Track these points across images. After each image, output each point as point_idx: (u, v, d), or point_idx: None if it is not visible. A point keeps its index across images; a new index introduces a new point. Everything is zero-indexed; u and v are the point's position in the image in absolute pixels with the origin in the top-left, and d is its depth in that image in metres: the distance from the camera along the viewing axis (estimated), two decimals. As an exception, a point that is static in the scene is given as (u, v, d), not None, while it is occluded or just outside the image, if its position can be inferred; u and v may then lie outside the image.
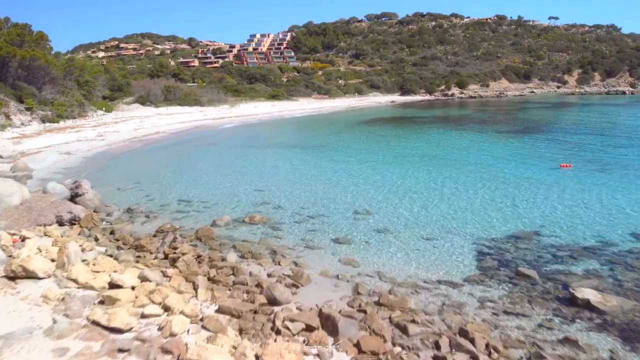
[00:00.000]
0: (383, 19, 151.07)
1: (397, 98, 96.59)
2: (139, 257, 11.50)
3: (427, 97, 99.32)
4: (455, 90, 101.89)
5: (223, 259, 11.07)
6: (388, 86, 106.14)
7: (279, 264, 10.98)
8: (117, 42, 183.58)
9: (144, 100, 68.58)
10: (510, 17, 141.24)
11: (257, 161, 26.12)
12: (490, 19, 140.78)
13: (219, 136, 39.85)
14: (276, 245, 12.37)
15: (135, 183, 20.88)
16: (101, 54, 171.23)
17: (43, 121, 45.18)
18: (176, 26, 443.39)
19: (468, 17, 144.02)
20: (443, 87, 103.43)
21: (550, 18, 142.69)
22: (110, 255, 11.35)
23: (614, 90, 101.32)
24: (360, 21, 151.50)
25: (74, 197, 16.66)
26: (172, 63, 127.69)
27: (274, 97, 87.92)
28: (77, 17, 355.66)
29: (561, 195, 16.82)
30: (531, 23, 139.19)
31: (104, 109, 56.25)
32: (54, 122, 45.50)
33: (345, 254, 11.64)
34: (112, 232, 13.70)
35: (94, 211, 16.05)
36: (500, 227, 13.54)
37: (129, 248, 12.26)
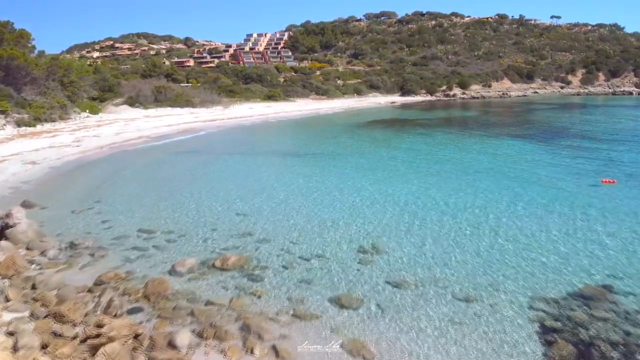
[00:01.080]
0: (382, 18, 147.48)
1: (398, 99, 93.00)
2: (54, 334, 7.89)
3: (428, 97, 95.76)
4: (457, 91, 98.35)
5: (170, 343, 7.45)
6: (388, 86, 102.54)
7: (252, 352, 7.35)
8: (112, 42, 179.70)
9: (133, 102, 64.89)
10: (512, 16, 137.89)
11: (244, 173, 22.47)
12: (491, 18, 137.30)
13: (206, 141, 36.20)
14: (252, 311, 8.74)
15: (96, 202, 17.27)
16: (96, 54, 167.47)
17: (19, 125, 41.48)
18: (173, 26, 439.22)
19: (468, 16, 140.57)
20: (444, 87, 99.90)
21: (552, 17, 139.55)
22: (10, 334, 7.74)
23: (620, 91, 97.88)
24: (359, 20, 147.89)
25: (3, 230, 13.03)
26: (167, 63, 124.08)
27: (270, 97, 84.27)
28: (74, 16, 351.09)
29: (620, 224, 13.22)
30: (533, 22, 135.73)
31: (87, 110, 52.50)
32: (30, 126, 41.77)
33: (350, 331, 8.02)
34: (33, 286, 10.06)
35: (27, 248, 12.46)
36: (555, 279, 9.93)
37: (47, 316, 8.64)
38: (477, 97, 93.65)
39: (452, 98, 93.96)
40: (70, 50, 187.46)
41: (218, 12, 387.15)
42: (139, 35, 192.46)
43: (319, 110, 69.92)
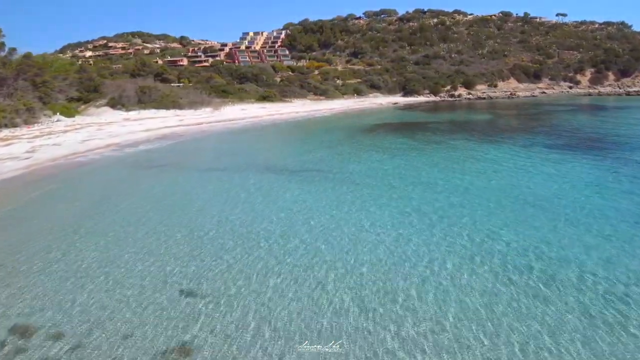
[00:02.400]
0: (382, 16, 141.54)
1: (400, 99, 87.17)
2: None
3: (432, 98, 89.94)
4: (462, 91, 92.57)
5: None
6: (389, 86, 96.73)
7: None
8: (105, 41, 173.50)
9: (115, 103, 58.98)
10: (516, 14, 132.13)
11: (214, 203, 16.43)
12: (494, 15, 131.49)
13: (183, 150, 30.29)
14: None
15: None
16: (89, 53, 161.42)
17: (-29, 131, 35.66)
18: (169, 25, 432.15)
19: (471, 14, 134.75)
20: (449, 87, 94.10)
21: (557, 15, 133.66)
22: None
23: (634, 91, 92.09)
24: (359, 18, 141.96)
25: None
26: (160, 62, 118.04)
27: (265, 98, 78.37)
28: (70, 15, 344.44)
29: None
30: (538, 20, 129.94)
31: (58, 113, 46.52)
32: (-16, 132, 36.01)
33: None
34: None
35: None
36: None
37: None
38: (484, 98, 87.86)
39: (457, 99, 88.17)
40: (63, 50, 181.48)
41: (215, 10, 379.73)
42: (133, 34, 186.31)
43: (316, 112, 64.07)
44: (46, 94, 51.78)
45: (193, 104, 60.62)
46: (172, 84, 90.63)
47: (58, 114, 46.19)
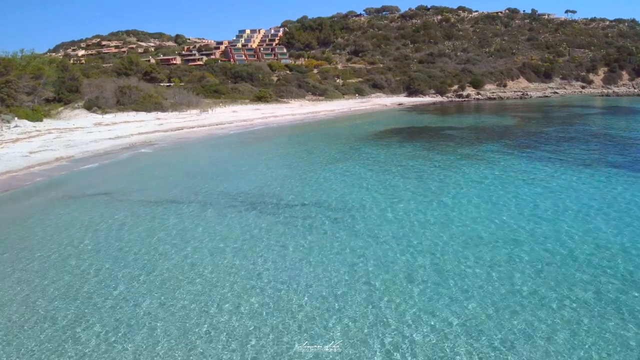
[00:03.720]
0: (383, 13, 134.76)
1: (404, 99, 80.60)
2: None
3: (439, 98, 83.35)
4: (470, 91, 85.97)
5: None
6: (392, 86, 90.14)
7: None
8: (99, 40, 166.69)
9: (91, 105, 52.46)
10: (524, 11, 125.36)
11: (157, 266, 10.08)
12: (501, 12, 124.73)
13: (140, 169, 23.64)
14: None
15: None
16: (81, 52, 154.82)
17: None
18: (167, 24, 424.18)
19: (476, 11, 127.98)
20: (456, 87, 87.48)
21: (567, 12, 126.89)
22: None
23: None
24: (359, 15, 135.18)
25: None
26: (152, 60, 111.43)
27: (259, 99, 71.82)
28: (66, 14, 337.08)
29: None
30: (546, 17, 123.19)
31: (16, 118, 39.95)
32: None
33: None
34: None
35: None
36: None
37: None
38: (494, 98, 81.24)
39: (466, 99, 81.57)
40: (56, 49, 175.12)
41: (212, 8, 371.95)
42: (128, 32, 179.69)
43: (315, 114, 57.51)
44: (9, 95, 45.33)
45: (178, 106, 54.06)
46: (162, 84, 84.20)
47: (16, 118, 39.59)
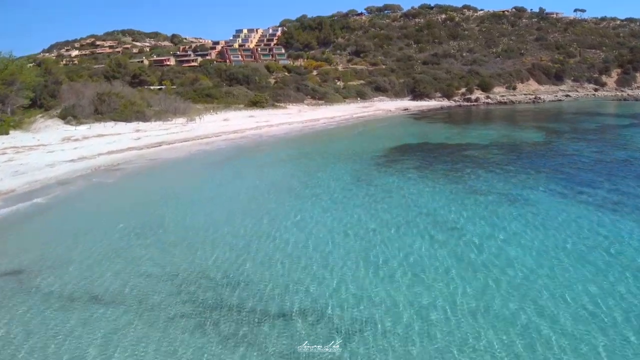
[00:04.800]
0: (385, 11, 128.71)
1: (410, 104, 74.82)
2: None
3: (446, 102, 77.55)
4: (479, 94, 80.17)
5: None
6: (396, 89, 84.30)
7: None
8: (93, 40, 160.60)
9: (67, 114, 46.80)
10: (531, 10, 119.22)
11: None
12: (507, 11, 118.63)
13: (87, 215, 17.92)
14: None
15: None
16: (75, 53, 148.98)
17: None
18: (164, 23, 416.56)
19: (481, 10, 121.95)
20: (463, 89, 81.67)
21: (576, 10, 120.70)
22: None
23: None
24: (360, 14, 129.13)
25: None
26: (145, 62, 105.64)
27: (255, 104, 66.01)
28: (63, 13, 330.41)
29: None
30: (555, 16, 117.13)
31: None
32: None
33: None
34: None
35: None
36: None
37: None
38: (505, 102, 75.41)
39: (475, 103, 75.74)
40: (50, 49, 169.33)
41: (210, 7, 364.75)
42: (123, 32, 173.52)
43: (314, 123, 51.73)
44: (-33, 103, 39.81)
45: (162, 114, 48.33)
46: (152, 87, 78.49)
47: (-33, 133, 33.99)
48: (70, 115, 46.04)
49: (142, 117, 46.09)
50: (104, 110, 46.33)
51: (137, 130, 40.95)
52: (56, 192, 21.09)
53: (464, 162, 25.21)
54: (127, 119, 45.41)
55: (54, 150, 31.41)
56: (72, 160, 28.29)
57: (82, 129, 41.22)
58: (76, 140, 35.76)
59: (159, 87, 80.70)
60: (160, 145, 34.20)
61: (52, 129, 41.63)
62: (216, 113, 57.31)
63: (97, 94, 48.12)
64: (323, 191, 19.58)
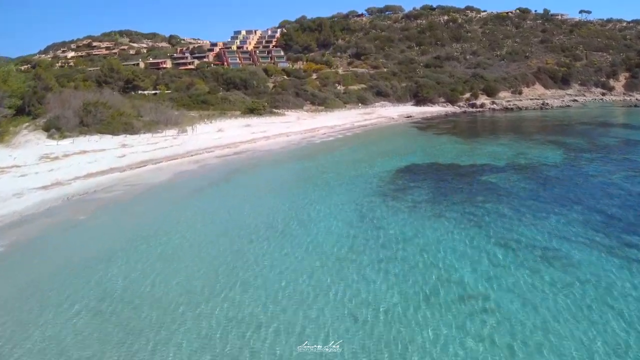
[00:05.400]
0: (386, 13, 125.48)
1: (413, 110, 71.77)
2: None
3: (450, 107, 74.50)
4: (484, 99, 77.06)
5: None
6: (398, 93, 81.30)
7: None
8: (90, 41, 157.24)
9: (50, 126, 43.75)
10: (535, 11, 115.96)
11: None
12: (511, 12, 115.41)
13: (34, 283, 14.87)
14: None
15: None
16: (71, 54, 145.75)
17: None
18: (161, 23, 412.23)
19: (484, 11, 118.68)
20: (468, 94, 78.58)
21: (581, 12, 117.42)
22: None
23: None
24: (361, 15, 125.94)
25: None
26: (142, 64, 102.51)
27: (252, 111, 62.94)
28: (62, 13, 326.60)
29: None
30: (560, 17, 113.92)
31: None
32: None
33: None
34: None
35: None
36: None
37: None
38: (512, 109, 72.26)
39: (480, 109, 72.64)
40: (47, 50, 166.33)
41: (208, 7, 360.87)
42: (121, 33, 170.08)
43: (314, 134, 48.67)
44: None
45: (153, 125, 45.22)
46: (146, 92, 75.47)
47: None
48: (54, 128, 42.98)
49: (130, 129, 43.03)
50: (89, 122, 43.25)
51: (123, 145, 37.90)
52: (14, 237, 18.05)
53: (482, 193, 22.12)
54: (114, 131, 42.34)
55: (28, 173, 28.36)
56: (44, 187, 25.26)
57: (65, 144, 38.17)
58: (55, 158, 32.70)
59: (153, 92, 77.68)
60: (145, 165, 31.13)
61: (33, 144, 38.56)
62: (210, 122, 54.23)
63: (83, 104, 44.98)
64: (323, 239, 16.53)
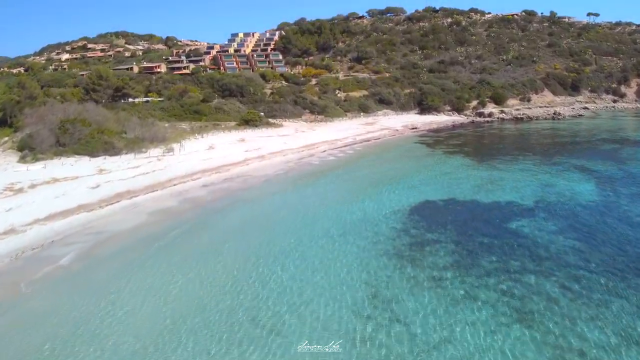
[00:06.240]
0: (388, 14, 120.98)
1: (417, 120, 67.47)
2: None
3: (456, 117, 70.24)
4: (492, 108, 72.77)
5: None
6: (401, 101, 76.98)
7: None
8: (85, 42, 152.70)
9: (24, 145, 39.53)
10: (541, 13, 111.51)
11: None
12: (517, 14, 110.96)
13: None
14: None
15: None
16: (65, 56, 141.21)
17: None
18: (160, 24, 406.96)
19: (489, 13, 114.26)
20: (475, 102, 74.30)
21: (589, 14, 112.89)
22: None
23: None
24: (362, 17, 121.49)
25: None
26: (135, 69, 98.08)
27: (247, 122, 58.64)
28: (61, 14, 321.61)
29: None
30: (567, 20, 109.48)
31: None
32: None
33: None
34: None
35: None
36: None
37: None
38: (522, 118, 67.96)
39: (488, 118, 68.36)
40: (42, 52, 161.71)
41: (206, 8, 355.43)
42: (117, 34, 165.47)
43: (313, 151, 44.41)
44: None
45: (137, 144, 40.86)
46: (137, 99, 71.12)
47: None
48: (27, 148, 38.74)
49: (111, 149, 38.74)
50: (66, 141, 38.97)
51: (100, 171, 33.59)
52: None
53: (517, 254, 17.92)
54: (93, 151, 38.09)
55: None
56: (-7, 236, 21.04)
57: (36, 169, 33.87)
58: (19, 190, 28.42)
59: (145, 99, 73.35)
60: (118, 201, 26.84)
61: (0, 169, 34.24)
62: (201, 136, 49.94)
63: (60, 121, 40.68)
64: (318, 336, 12.32)
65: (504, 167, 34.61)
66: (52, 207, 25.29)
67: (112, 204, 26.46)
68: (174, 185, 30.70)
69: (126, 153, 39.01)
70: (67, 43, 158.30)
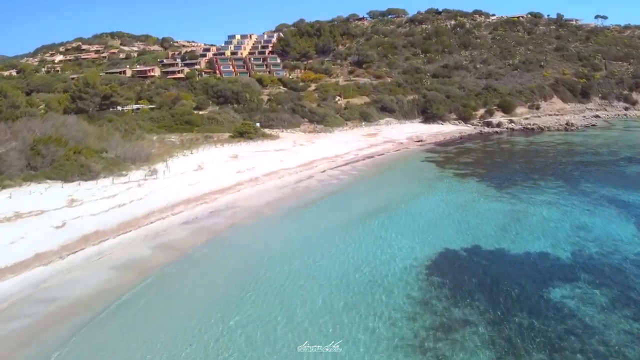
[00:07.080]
0: (389, 16, 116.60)
1: (422, 130, 63.31)
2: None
3: (463, 126, 66.14)
4: (500, 117, 68.64)
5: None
6: (405, 109, 72.87)
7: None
8: (79, 43, 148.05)
9: (-9, 167, 35.23)
10: (548, 16, 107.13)
11: None
12: (522, 17, 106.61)
13: None
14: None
15: None
16: (59, 57, 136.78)
17: None
18: (158, 24, 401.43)
19: (493, 15, 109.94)
20: (482, 111, 70.17)
21: (597, 17, 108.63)
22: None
23: None
24: (362, 19, 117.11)
25: None
26: (128, 72, 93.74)
27: (241, 134, 54.43)
28: (59, 13, 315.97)
29: None
30: (574, 23, 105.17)
31: None
32: None
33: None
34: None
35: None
36: None
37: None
38: (532, 128, 63.88)
39: (497, 128, 64.26)
40: (35, 53, 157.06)
41: (204, 9, 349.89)
42: (112, 35, 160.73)
43: (312, 171, 40.30)
44: None
45: (117, 166, 36.66)
46: (126, 107, 66.91)
47: None
48: (-4, 171, 34.50)
49: (87, 172, 34.51)
50: (38, 164, 34.75)
51: (72, 202, 29.40)
52: None
53: (570, 352, 13.89)
54: (67, 176, 33.87)
55: None
56: None
57: (-2, 199, 29.71)
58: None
59: (135, 106, 69.14)
60: (82, 249, 22.67)
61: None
62: (190, 152, 45.76)
63: (33, 141, 36.46)
64: None
65: (526, 197, 30.48)
66: (5, 257, 21.17)
67: (74, 252, 22.31)
68: (151, 222, 26.55)
69: (104, 177, 34.84)
70: (61, 44, 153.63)
